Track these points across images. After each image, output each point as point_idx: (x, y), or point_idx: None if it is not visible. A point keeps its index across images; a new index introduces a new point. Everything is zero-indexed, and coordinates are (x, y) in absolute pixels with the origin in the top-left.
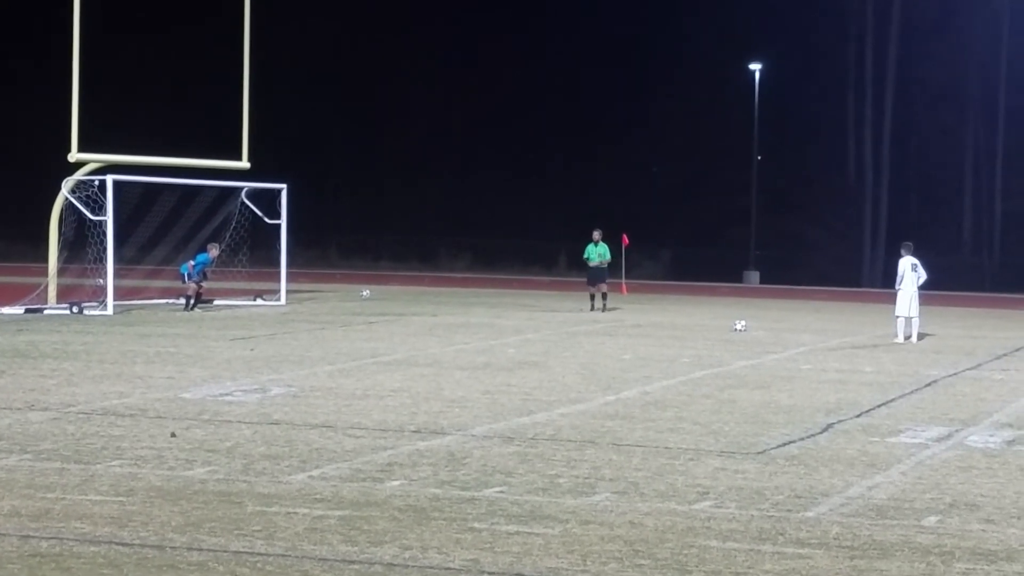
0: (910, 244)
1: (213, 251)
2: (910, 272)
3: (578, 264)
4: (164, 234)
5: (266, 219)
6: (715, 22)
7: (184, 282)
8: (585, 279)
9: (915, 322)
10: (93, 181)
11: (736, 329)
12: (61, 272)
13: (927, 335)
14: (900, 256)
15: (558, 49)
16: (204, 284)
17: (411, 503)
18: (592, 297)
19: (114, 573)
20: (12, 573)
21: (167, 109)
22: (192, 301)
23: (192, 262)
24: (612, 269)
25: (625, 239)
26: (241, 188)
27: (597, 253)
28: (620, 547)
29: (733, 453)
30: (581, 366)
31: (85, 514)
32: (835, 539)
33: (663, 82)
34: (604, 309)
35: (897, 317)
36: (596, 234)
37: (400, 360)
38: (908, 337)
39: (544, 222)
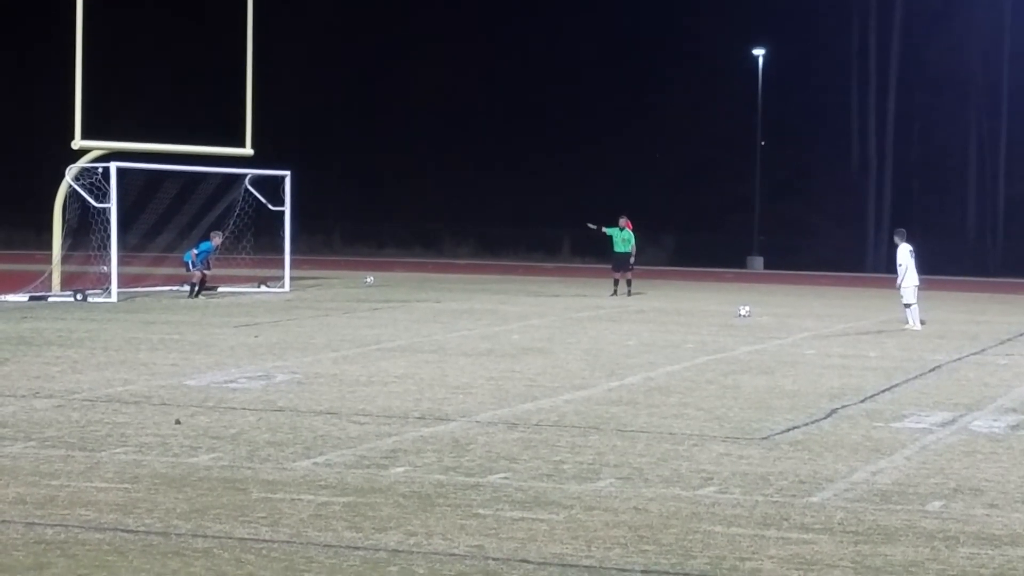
0: (904, 230)
1: (216, 239)
2: (910, 259)
3: (581, 250)
4: (168, 221)
5: (270, 206)
6: (719, 8)
7: (188, 270)
8: (611, 265)
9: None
10: (97, 168)
11: (740, 315)
12: (65, 259)
13: (926, 320)
14: (898, 243)
15: (561, 36)
16: (208, 272)
17: (416, 489)
18: (616, 282)
19: (119, 560)
20: (18, 560)
21: (170, 96)
22: (196, 288)
23: (195, 250)
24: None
25: (629, 225)
26: (245, 175)
27: (622, 239)
28: (625, 533)
29: (737, 439)
30: (585, 352)
31: (90, 501)
32: (839, 524)
33: (666, 68)
34: (629, 294)
35: (910, 305)
36: (622, 221)
37: (404, 347)
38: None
39: (547, 209)
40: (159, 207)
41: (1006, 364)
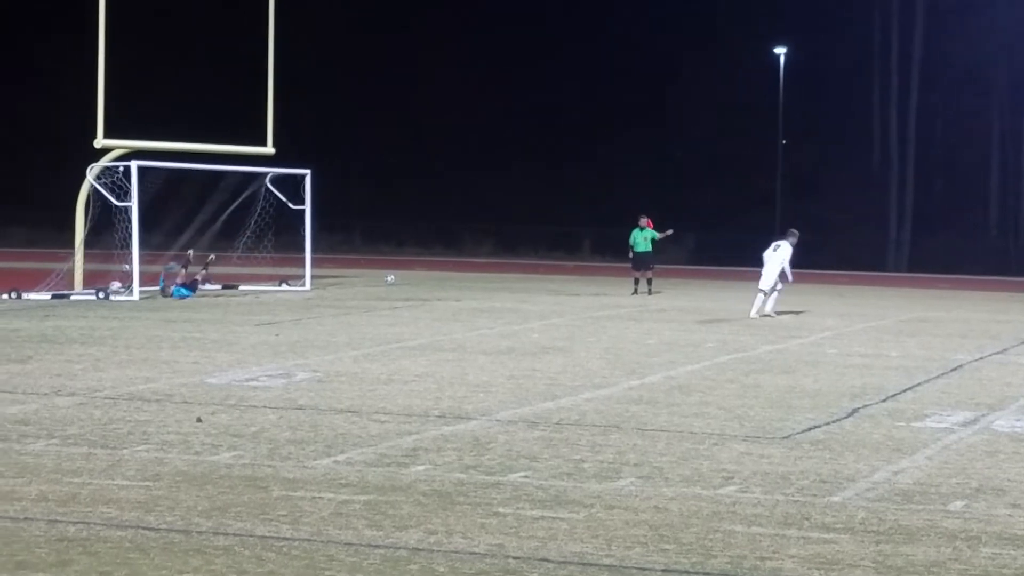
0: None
1: (177, 264)
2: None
3: (601, 249)
4: (189, 220)
5: (290, 204)
6: (741, 5)
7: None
8: (630, 264)
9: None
10: (118, 167)
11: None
12: (87, 258)
13: (931, 319)
14: (790, 244)
15: (581, 33)
16: (186, 272)
17: (436, 488)
18: (636, 281)
19: (141, 558)
20: (40, 557)
21: (192, 95)
22: (190, 286)
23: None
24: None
25: (649, 223)
26: (265, 174)
27: (643, 238)
28: (645, 532)
29: (758, 438)
30: (605, 351)
31: (112, 499)
32: (861, 524)
33: (688, 66)
34: (650, 293)
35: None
36: (642, 220)
37: (424, 345)
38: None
39: (567, 207)
40: (180, 206)
41: None
